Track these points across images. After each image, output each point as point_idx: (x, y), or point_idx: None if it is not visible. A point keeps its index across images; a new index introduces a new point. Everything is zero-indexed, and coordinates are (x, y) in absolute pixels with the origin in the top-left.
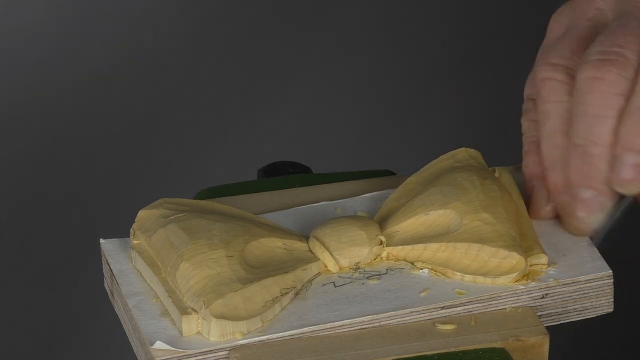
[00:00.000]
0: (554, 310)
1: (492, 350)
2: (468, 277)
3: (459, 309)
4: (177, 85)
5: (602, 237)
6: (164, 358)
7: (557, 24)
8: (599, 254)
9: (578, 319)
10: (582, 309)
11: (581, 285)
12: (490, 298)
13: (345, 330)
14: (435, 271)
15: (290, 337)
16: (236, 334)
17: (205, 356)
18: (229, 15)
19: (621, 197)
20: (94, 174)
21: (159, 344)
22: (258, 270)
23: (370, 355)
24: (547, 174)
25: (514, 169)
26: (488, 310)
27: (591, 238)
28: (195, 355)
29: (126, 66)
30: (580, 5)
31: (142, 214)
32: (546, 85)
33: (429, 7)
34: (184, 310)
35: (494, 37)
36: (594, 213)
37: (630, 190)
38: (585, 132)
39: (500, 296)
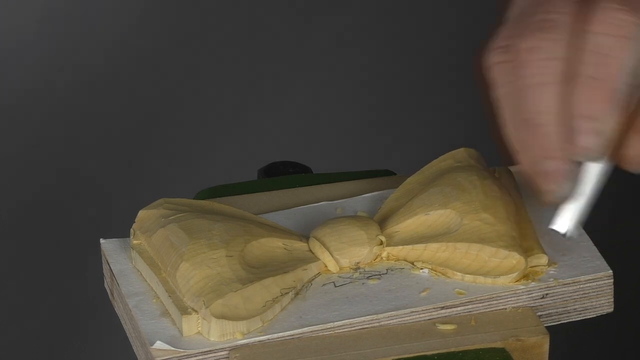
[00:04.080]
0: (554, 310)
1: (492, 350)
2: (468, 277)
3: (459, 309)
4: (177, 85)
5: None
6: (164, 358)
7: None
8: (599, 254)
9: (578, 319)
10: (582, 309)
11: (581, 285)
12: (490, 298)
13: (345, 330)
14: (436, 271)
15: (290, 337)
16: (236, 334)
17: (205, 356)
18: (229, 14)
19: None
20: (94, 173)
21: (159, 344)
22: (258, 270)
23: (370, 355)
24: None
25: (514, 169)
26: (488, 310)
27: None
28: (195, 355)
29: (126, 66)
30: None
31: (142, 214)
32: (494, 70)
33: (429, 6)
34: (184, 310)
35: None
36: (561, 182)
37: (590, 157)
38: (530, 104)
39: (500, 296)
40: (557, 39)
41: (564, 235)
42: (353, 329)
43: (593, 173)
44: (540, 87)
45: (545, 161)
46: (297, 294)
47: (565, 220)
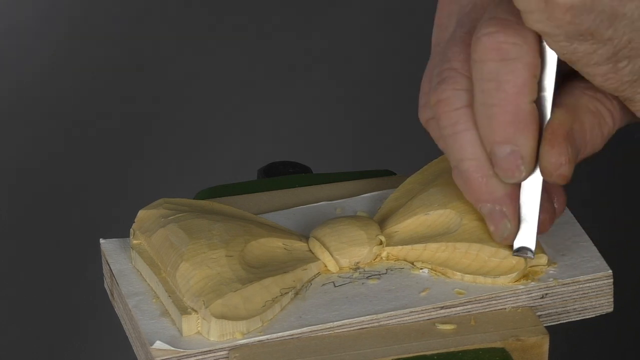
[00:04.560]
0: (554, 310)
1: (492, 350)
2: (468, 277)
3: (458, 309)
4: (177, 85)
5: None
6: (164, 358)
7: (444, 18)
8: (599, 254)
9: (578, 319)
10: (582, 309)
11: (581, 285)
12: (490, 298)
13: (345, 330)
14: (435, 271)
15: (290, 337)
16: (236, 334)
17: (205, 356)
18: (229, 14)
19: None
20: (94, 174)
21: (159, 344)
22: (258, 270)
23: (370, 355)
24: None
25: None
26: (488, 310)
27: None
28: (195, 355)
29: (126, 66)
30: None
31: (142, 214)
32: (427, 127)
33: (430, 6)
34: (184, 310)
35: None
36: (500, 223)
37: (518, 178)
38: (451, 153)
39: (500, 296)
40: (458, 88)
41: (531, 255)
42: (352, 329)
43: (533, 190)
44: (455, 136)
45: (481, 205)
46: (296, 294)
47: (529, 241)
